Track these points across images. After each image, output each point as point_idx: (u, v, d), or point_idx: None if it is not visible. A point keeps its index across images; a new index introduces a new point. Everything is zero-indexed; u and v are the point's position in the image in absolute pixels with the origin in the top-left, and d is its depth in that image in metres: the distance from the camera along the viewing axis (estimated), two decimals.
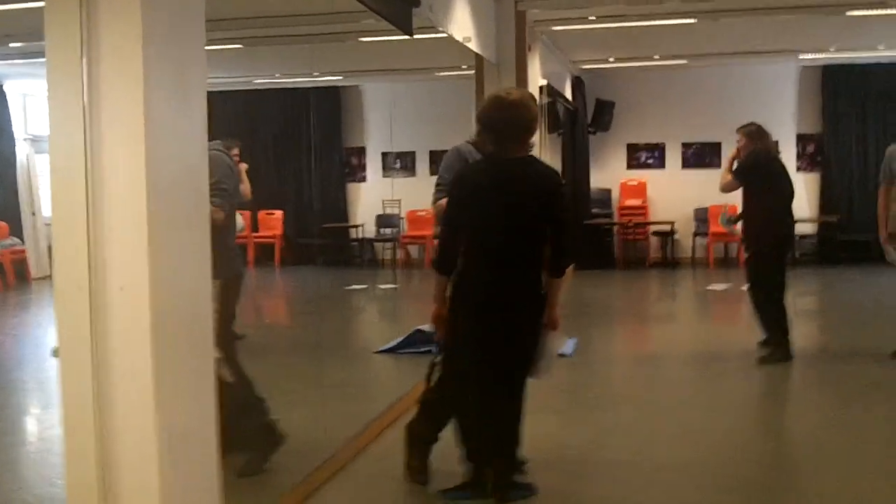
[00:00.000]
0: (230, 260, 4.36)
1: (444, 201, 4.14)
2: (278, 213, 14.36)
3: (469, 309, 3.81)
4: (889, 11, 8.85)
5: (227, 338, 4.30)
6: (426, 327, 4.37)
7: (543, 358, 3.89)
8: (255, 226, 14.11)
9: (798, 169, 13.35)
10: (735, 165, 6.99)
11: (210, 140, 4.36)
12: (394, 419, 5.22)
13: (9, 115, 12.87)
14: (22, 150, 13.13)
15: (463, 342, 3.83)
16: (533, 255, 3.78)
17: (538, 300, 3.82)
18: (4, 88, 12.82)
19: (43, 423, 5.81)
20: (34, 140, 13.15)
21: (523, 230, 3.76)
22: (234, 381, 4.23)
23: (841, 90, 13.48)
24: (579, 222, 13.15)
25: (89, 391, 2.70)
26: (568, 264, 3.86)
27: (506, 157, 3.77)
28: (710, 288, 11.63)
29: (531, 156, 3.84)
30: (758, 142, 6.83)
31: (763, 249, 6.76)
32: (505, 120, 3.75)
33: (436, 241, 4.04)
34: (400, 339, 7.22)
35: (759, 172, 6.80)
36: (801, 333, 7.42)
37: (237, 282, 4.46)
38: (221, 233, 4.17)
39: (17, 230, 12.65)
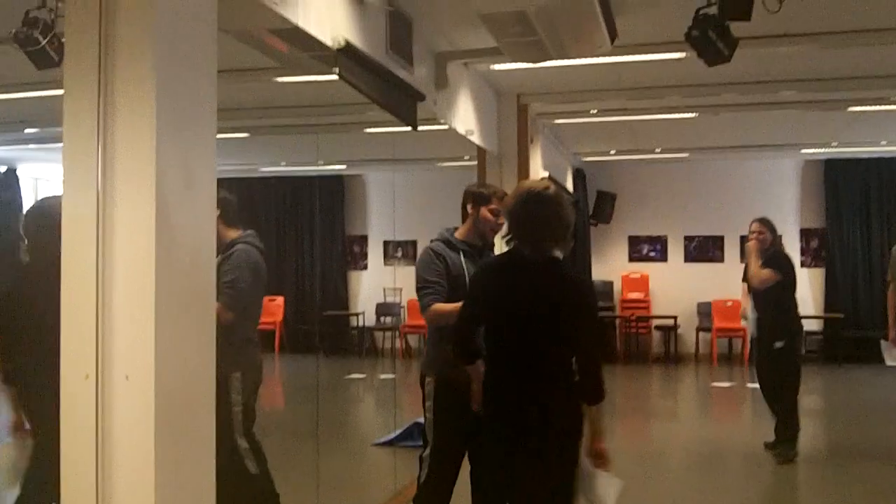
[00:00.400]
0: (251, 352, 4.39)
1: (438, 306, 4.00)
2: (279, 300, 14.37)
3: (490, 424, 3.37)
4: (891, 107, 8.99)
5: (251, 428, 4.30)
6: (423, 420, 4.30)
7: (595, 499, 3.29)
8: None
9: (802, 264, 13.32)
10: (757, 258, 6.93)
11: (243, 229, 4.48)
12: None
13: (21, 197, 13.04)
14: None
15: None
16: (551, 369, 3.26)
17: (562, 420, 3.24)
18: (17, 172, 13.01)
19: None
20: None
21: (539, 339, 3.26)
22: (258, 474, 4.22)
23: (843, 184, 13.50)
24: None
25: (91, 480, 2.66)
26: (598, 389, 3.26)
27: (530, 256, 3.32)
28: (713, 385, 11.51)
29: (557, 259, 3.38)
30: (775, 235, 6.94)
31: (781, 344, 6.73)
32: (538, 216, 3.32)
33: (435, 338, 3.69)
34: (398, 431, 7.11)
35: (784, 265, 6.85)
36: (808, 433, 7.31)
37: (258, 373, 4.47)
38: (243, 325, 4.20)
39: None
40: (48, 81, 4.10)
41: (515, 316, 3.27)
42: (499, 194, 4.25)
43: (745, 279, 7.09)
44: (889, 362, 6.92)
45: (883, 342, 7.01)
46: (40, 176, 13.33)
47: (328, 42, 4.42)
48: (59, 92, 2.74)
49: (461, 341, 3.51)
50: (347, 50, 4.58)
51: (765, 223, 6.94)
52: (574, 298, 3.30)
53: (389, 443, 7.04)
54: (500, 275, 3.41)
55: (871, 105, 9.02)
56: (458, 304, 3.77)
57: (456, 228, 4.31)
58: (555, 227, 3.34)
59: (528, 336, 3.25)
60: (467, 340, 3.49)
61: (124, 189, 2.67)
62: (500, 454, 3.29)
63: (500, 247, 7.72)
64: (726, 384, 11.36)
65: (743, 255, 13.50)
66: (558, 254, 3.39)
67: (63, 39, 2.89)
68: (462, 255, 4.15)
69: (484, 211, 4.21)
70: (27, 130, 9.91)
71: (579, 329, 3.24)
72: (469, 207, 4.29)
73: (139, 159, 2.65)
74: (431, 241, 4.27)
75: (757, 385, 7.17)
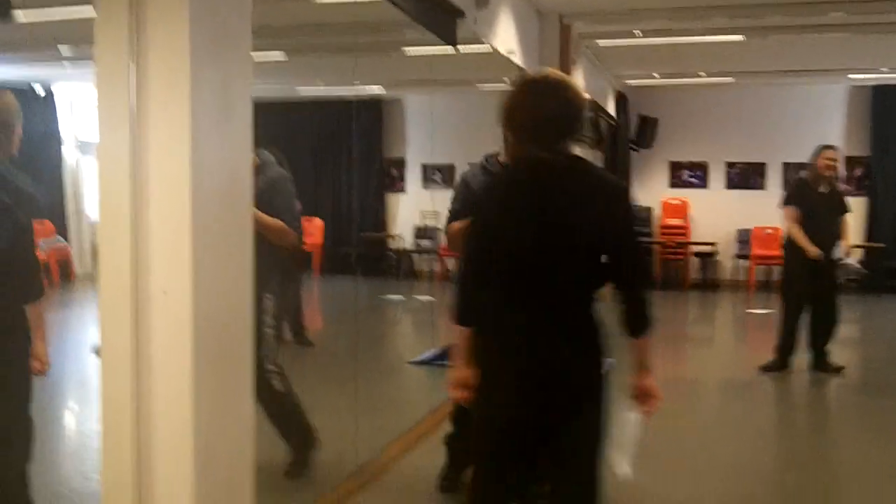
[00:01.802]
0: (289, 275, 4.48)
1: (456, 224, 3.83)
2: (318, 222, 14.44)
3: (496, 377, 2.62)
4: None
5: (276, 354, 4.39)
6: None
7: (620, 446, 2.69)
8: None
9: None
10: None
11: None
12: (425, 432, 5.20)
13: (57, 117, 13.11)
14: (69, 152, 13.35)
15: (485, 427, 2.71)
16: (588, 297, 2.61)
17: (596, 361, 2.62)
18: (53, 91, 13.05)
19: (81, 418, 5.90)
20: (81, 143, 13.38)
21: (573, 259, 2.55)
22: (287, 393, 4.33)
23: (891, 112, 13.19)
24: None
25: (128, 392, 2.73)
26: (646, 316, 2.63)
27: (546, 158, 2.55)
28: (749, 311, 11.47)
29: (581, 157, 2.65)
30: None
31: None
32: (545, 107, 2.57)
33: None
34: (434, 351, 7.18)
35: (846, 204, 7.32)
36: (846, 361, 7.28)
37: (290, 297, 4.57)
38: (278, 248, 4.26)
39: (62, 229, 12.85)
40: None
41: (539, 226, 2.54)
42: None
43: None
44: None
45: None
46: (77, 95, 13.37)
47: None
48: (91, 14, 2.71)
49: (465, 294, 2.72)
50: None
51: (838, 152, 7.11)
52: (612, 203, 2.58)
53: (426, 362, 7.13)
54: (511, 187, 2.66)
55: None
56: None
57: (498, 153, 4.02)
58: (566, 117, 2.60)
59: (553, 258, 2.54)
60: (472, 294, 2.70)
61: (158, 109, 2.66)
62: (512, 421, 2.62)
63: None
64: (763, 311, 11.30)
65: (787, 181, 13.40)
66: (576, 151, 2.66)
67: None
68: None
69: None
70: (61, 49, 9.89)
71: (620, 241, 2.58)
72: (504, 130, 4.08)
73: (173, 79, 2.64)
74: (471, 168, 4.16)
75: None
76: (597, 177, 2.64)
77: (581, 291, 2.60)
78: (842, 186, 7.29)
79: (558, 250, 2.54)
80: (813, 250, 6.76)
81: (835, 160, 6.96)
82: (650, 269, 2.59)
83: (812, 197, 6.94)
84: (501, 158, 3.97)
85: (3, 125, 3.09)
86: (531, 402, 2.57)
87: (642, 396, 2.68)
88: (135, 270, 2.68)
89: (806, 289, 6.95)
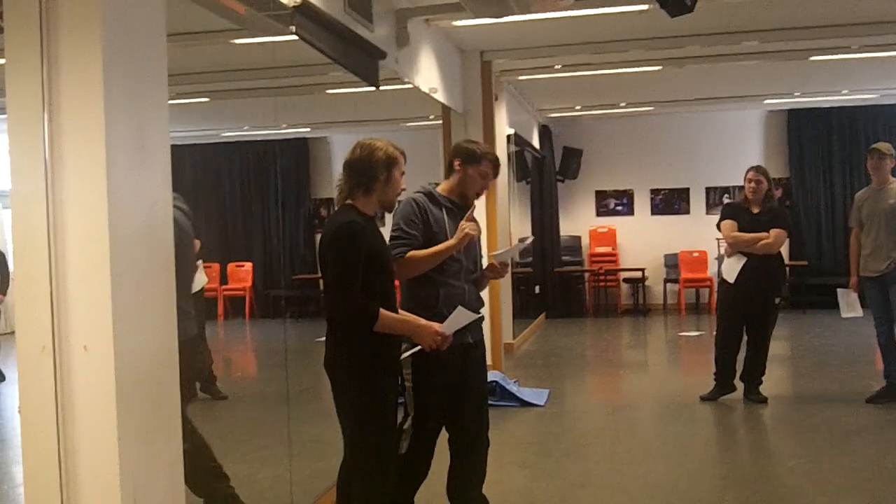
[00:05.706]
0: (181, 322, 4.23)
1: (413, 252, 3.76)
2: (248, 266, 14.29)
3: None
4: (851, 56, 9.04)
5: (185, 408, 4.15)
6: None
7: None
8: (224, 279, 14.03)
9: None
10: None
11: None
12: None
13: None
14: None
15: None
16: (328, 308, 3.48)
17: (336, 356, 3.47)
18: None
19: (6, 481, 5.66)
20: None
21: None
22: (191, 448, 4.10)
23: (806, 134, 13.66)
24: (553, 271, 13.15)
25: (53, 453, 2.63)
26: (335, 309, 3.42)
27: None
28: (681, 335, 11.64)
29: (344, 206, 3.48)
30: (771, 185, 7.05)
31: (779, 300, 7.12)
32: (345, 163, 3.55)
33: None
34: None
35: (786, 218, 7.18)
36: (774, 379, 7.42)
37: (190, 345, 4.27)
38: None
39: None
40: None
41: None
42: (490, 156, 3.99)
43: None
44: (844, 314, 6.93)
45: (840, 290, 7.02)
46: None
47: (284, 0, 4.33)
48: (1, 61, 2.65)
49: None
50: (304, 8, 4.49)
51: (760, 171, 6.96)
52: (323, 237, 3.43)
53: None
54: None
55: (831, 54, 9.05)
56: (435, 249, 3.77)
57: (438, 183, 4.04)
58: (352, 172, 3.48)
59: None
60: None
61: (73, 158, 2.61)
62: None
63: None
64: (694, 333, 11.49)
65: (709, 206, 13.72)
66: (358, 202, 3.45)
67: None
68: (445, 212, 3.89)
69: (472, 171, 3.95)
70: None
71: (323, 263, 3.40)
72: (456, 164, 3.99)
73: (88, 128, 2.58)
74: (414, 193, 3.94)
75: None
76: (329, 222, 3.53)
77: (330, 300, 3.41)
78: (778, 206, 7.13)
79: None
80: (757, 235, 6.78)
81: (754, 180, 6.88)
82: (337, 293, 3.12)
83: (744, 217, 6.93)
84: (441, 189, 3.99)
85: None
86: None
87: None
88: (54, 326, 2.60)
89: (739, 309, 6.96)
